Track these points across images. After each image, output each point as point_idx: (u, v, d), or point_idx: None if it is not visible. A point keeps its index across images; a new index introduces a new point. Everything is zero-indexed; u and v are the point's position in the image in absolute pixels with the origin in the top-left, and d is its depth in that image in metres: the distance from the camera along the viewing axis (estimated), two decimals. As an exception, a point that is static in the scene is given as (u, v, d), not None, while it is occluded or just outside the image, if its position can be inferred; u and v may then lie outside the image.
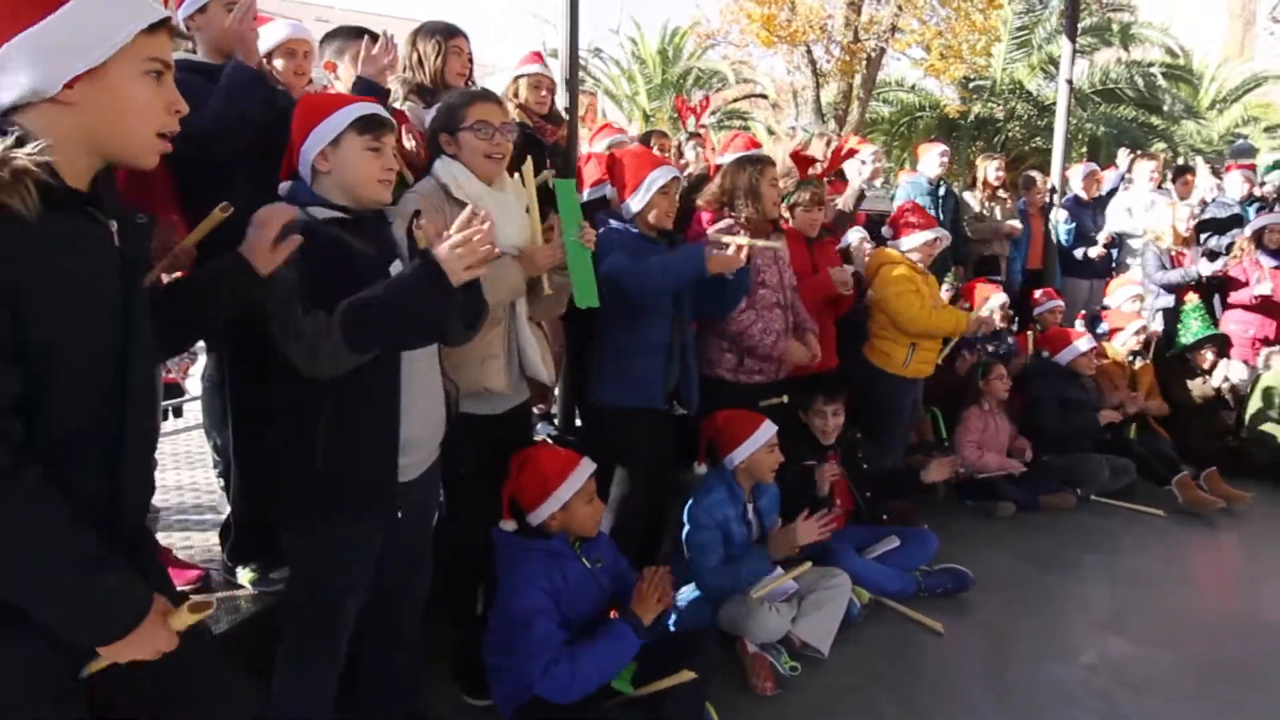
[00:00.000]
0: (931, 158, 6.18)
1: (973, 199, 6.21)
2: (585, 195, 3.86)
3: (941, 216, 5.63)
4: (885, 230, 4.65)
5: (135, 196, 2.05)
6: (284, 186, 2.00)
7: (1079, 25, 7.68)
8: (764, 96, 19.45)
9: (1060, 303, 5.74)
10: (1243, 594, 3.85)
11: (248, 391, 2.49)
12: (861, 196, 5.02)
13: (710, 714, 2.60)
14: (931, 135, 15.28)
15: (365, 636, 2.20)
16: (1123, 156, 7.46)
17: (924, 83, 17.78)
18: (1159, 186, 6.74)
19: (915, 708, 2.83)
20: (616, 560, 2.68)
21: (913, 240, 4.27)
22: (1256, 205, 6.62)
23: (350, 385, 1.87)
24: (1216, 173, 8.03)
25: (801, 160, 4.45)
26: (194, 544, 2.97)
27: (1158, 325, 5.96)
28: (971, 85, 17.38)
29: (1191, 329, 5.70)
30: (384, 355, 1.92)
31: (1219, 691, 2.94)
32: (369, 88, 2.68)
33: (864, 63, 15.04)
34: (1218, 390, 5.57)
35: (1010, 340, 5.27)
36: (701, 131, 6.04)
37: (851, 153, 5.19)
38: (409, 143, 2.88)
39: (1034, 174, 6.82)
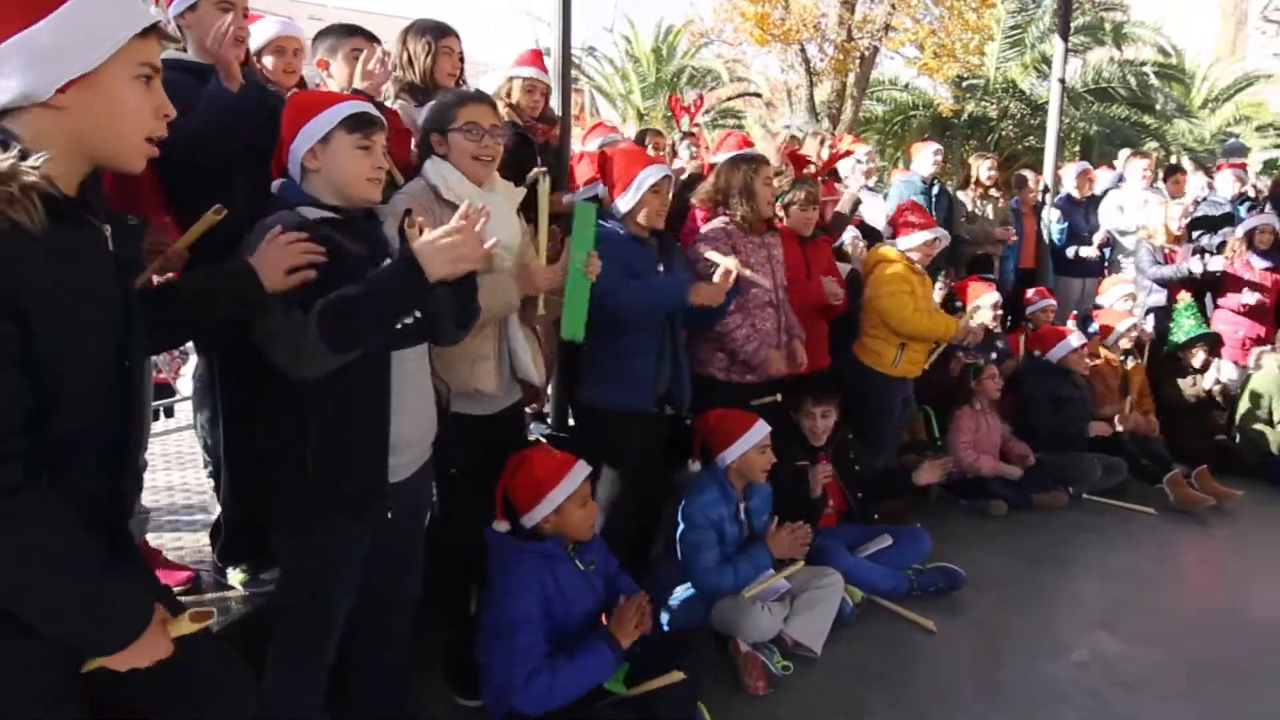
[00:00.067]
0: (925, 156, 6.19)
1: (966, 198, 6.21)
2: (578, 195, 3.84)
3: (935, 215, 5.63)
4: (885, 229, 4.66)
5: (122, 200, 2.04)
6: (276, 184, 2.00)
7: (1071, 24, 7.68)
8: (758, 95, 19.44)
9: (1053, 302, 5.76)
10: (1233, 592, 3.87)
11: (239, 392, 2.48)
12: (859, 200, 5.03)
13: (703, 713, 2.61)
14: (925, 134, 15.28)
15: (356, 636, 2.19)
16: (1122, 158, 7.47)
17: (917, 81, 17.79)
18: (1151, 185, 6.76)
19: (907, 707, 2.83)
20: (608, 562, 2.68)
21: (911, 240, 4.26)
22: (1247, 205, 6.64)
23: (340, 385, 1.86)
24: (1207, 172, 8.06)
25: (796, 160, 4.46)
26: (184, 545, 2.96)
27: (1149, 323, 5.98)
28: (965, 84, 17.39)
29: (1183, 327, 5.72)
30: (372, 355, 1.91)
31: (1209, 689, 2.95)
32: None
33: (858, 61, 15.04)
34: (1208, 389, 5.59)
35: (1002, 343, 5.28)
36: (695, 130, 6.03)
37: (846, 153, 5.21)
38: None
39: (1026, 173, 6.84)
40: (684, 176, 4.88)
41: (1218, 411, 5.64)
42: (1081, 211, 6.61)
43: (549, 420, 4.21)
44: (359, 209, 1.99)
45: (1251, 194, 6.79)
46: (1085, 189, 6.69)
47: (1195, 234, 6.35)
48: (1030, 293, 5.81)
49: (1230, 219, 6.38)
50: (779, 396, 3.55)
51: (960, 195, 6.26)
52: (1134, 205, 6.47)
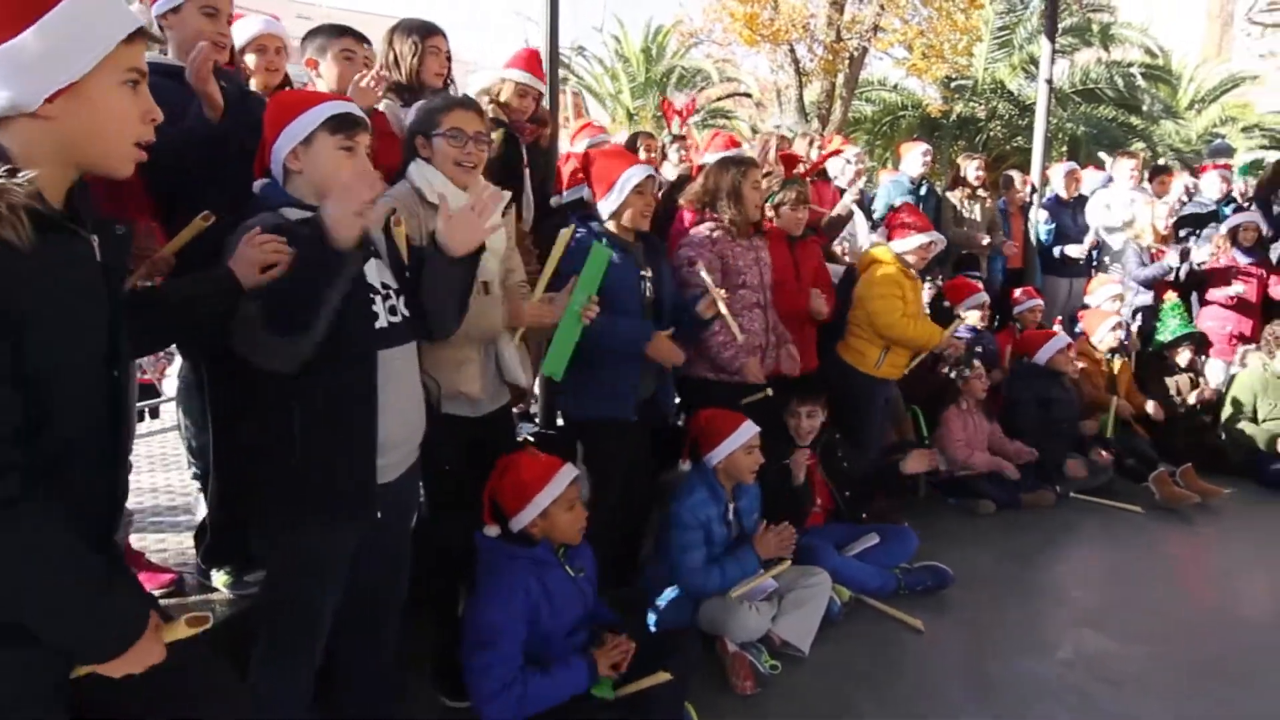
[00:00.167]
0: (914, 157, 6.21)
1: (954, 198, 6.24)
2: (564, 196, 3.84)
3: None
4: (880, 231, 4.67)
5: (109, 203, 2.02)
6: (258, 185, 1.98)
7: (1059, 25, 7.73)
8: (748, 95, 19.48)
9: (1040, 302, 5.79)
10: (1219, 589, 3.89)
11: (227, 392, 2.46)
12: (857, 203, 5.04)
13: (690, 714, 2.60)
14: (914, 134, 15.34)
15: (343, 637, 2.18)
16: (1108, 163, 7.51)
17: (906, 82, 17.86)
18: (1138, 185, 6.80)
19: (895, 705, 2.84)
20: (594, 571, 2.66)
21: (907, 243, 4.27)
22: (1233, 206, 6.69)
23: (327, 384, 1.86)
24: (1193, 173, 8.11)
25: (787, 160, 4.46)
26: (168, 546, 2.94)
27: (1137, 323, 6.02)
28: (953, 85, 17.47)
29: (1170, 327, 5.75)
30: (358, 354, 1.91)
31: (1195, 686, 2.97)
32: None
33: (846, 62, 15.07)
34: (1195, 403, 5.62)
35: (991, 344, 5.30)
36: (685, 133, 6.03)
37: (835, 152, 5.22)
38: None
39: (1014, 173, 6.87)
40: (673, 178, 4.89)
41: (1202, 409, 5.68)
42: (1069, 212, 6.64)
43: (537, 420, 4.20)
44: None
45: (1237, 197, 6.83)
46: (1073, 189, 6.72)
47: (1181, 233, 6.40)
48: (1018, 292, 5.84)
49: (1216, 219, 6.43)
50: (769, 391, 3.55)
51: (949, 196, 6.28)
52: (1121, 205, 6.51)
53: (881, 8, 14.39)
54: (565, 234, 2.71)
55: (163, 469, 3.73)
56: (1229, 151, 11.83)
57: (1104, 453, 4.99)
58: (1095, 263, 6.68)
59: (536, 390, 4.08)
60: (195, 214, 2.00)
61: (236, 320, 1.78)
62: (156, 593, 2.52)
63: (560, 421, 3.95)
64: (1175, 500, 4.68)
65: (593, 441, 3.08)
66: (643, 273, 3.09)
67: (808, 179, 4.46)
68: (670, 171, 5.36)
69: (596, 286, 2.74)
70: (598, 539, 2.71)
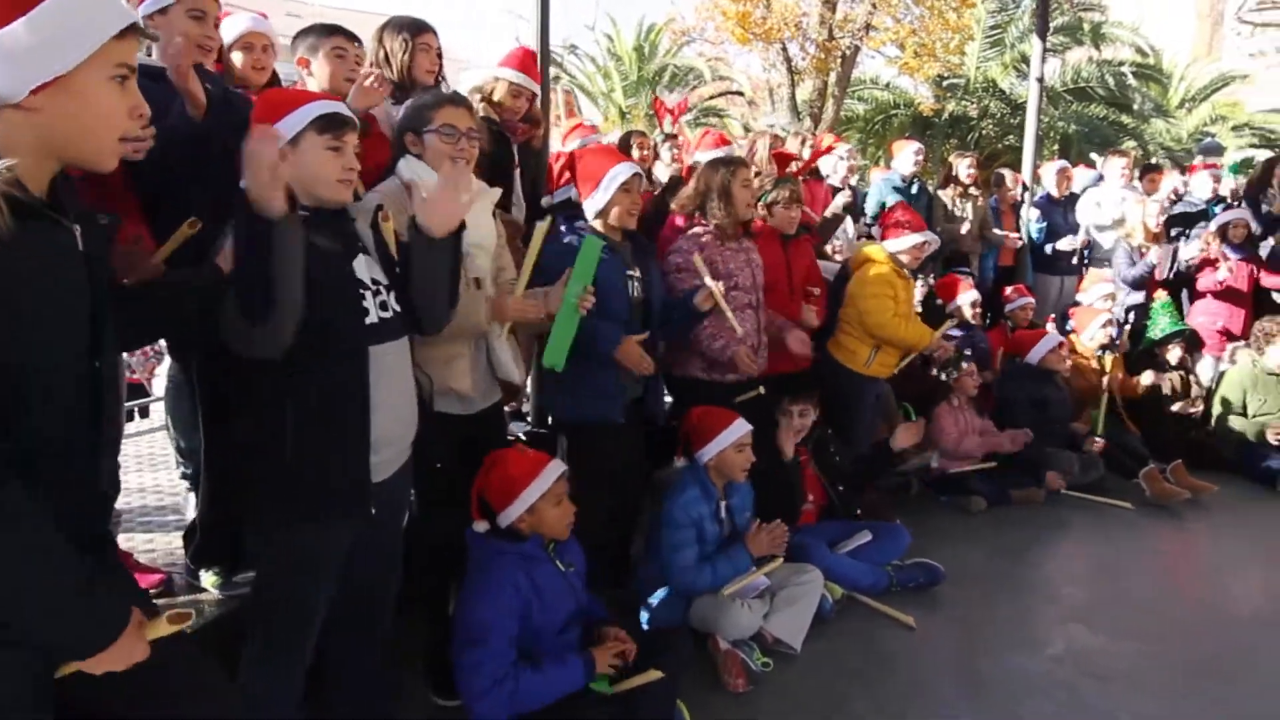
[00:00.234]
0: (906, 155, 6.21)
1: (945, 196, 6.25)
2: (555, 196, 3.83)
3: (913, 215, 5.65)
4: (874, 230, 4.68)
5: (92, 200, 2.01)
6: (244, 183, 1.97)
7: (1050, 24, 7.76)
8: (740, 94, 19.49)
9: (1031, 300, 5.81)
10: (1208, 585, 3.90)
11: (218, 389, 2.45)
12: (850, 203, 5.05)
13: (682, 712, 2.60)
14: (906, 133, 15.39)
15: (335, 636, 2.17)
16: (1100, 161, 7.52)
17: (898, 81, 17.93)
18: (1129, 183, 6.83)
19: (886, 702, 2.84)
20: (584, 567, 2.66)
21: (900, 243, 4.27)
22: (1222, 205, 6.72)
23: (318, 381, 1.85)
24: (1184, 171, 8.14)
25: (779, 159, 4.47)
26: (156, 547, 2.92)
27: (1129, 322, 6.04)
28: (945, 83, 17.53)
29: (1160, 325, 5.78)
30: (348, 349, 1.90)
31: (1183, 681, 2.98)
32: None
33: (839, 60, 15.11)
34: (1184, 383, 5.65)
35: (981, 344, 5.31)
36: (677, 131, 6.03)
37: (828, 149, 5.23)
38: None
39: (1005, 171, 6.88)
40: (666, 177, 4.89)
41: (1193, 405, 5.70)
42: (1060, 210, 6.66)
43: (529, 418, 4.19)
44: (330, 206, 1.97)
45: (1227, 196, 6.86)
46: (1064, 187, 6.74)
47: (1171, 233, 6.42)
48: (1009, 291, 5.86)
49: (1205, 218, 6.46)
50: (762, 390, 3.55)
51: (940, 194, 6.29)
52: (1111, 203, 6.53)
53: (874, 6, 14.43)
54: (542, 227, 2.69)
55: (150, 469, 3.71)
56: (1219, 150, 11.89)
57: (1098, 441, 5.01)
58: (1086, 262, 6.70)
59: (529, 389, 4.08)
60: (179, 212, 1.99)
61: (223, 312, 1.75)
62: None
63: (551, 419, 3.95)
64: (1165, 496, 4.70)
65: (583, 442, 3.06)
66: (630, 272, 3.08)
67: (800, 177, 4.46)
68: (663, 171, 5.37)
69: (591, 277, 2.73)
70: (589, 539, 2.71)
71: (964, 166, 6.26)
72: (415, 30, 3.16)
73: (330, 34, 2.91)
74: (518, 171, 3.59)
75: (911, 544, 3.78)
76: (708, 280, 3.16)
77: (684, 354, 3.54)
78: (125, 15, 1.30)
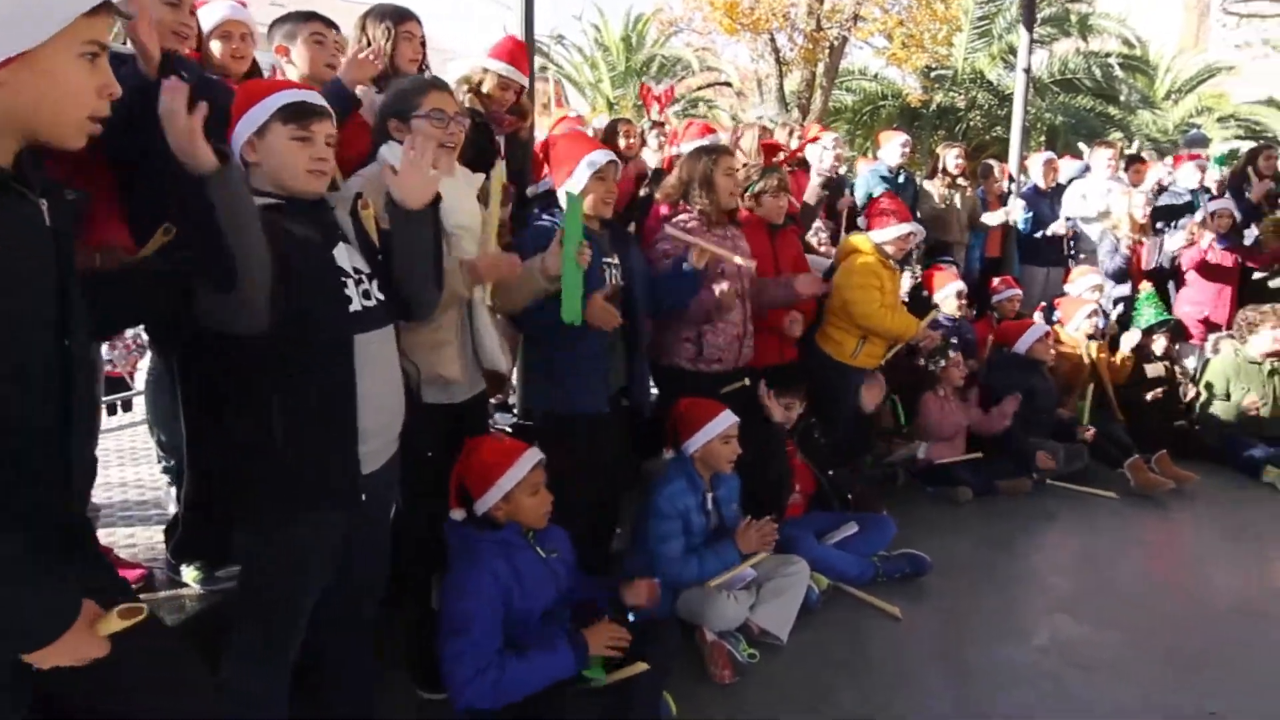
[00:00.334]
0: (893, 146, 6.20)
1: (932, 187, 6.25)
2: (539, 187, 3.79)
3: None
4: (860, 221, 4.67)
5: (65, 176, 1.97)
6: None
7: (1037, 15, 7.76)
8: (728, 85, 19.45)
9: (1019, 291, 5.83)
10: (1192, 575, 3.93)
11: (201, 382, 2.41)
12: (825, 188, 5.03)
13: (668, 703, 2.60)
14: (894, 124, 15.39)
15: (330, 634, 2.15)
16: (1087, 153, 7.54)
17: (886, 72, 17.91)
18: (1115, 174, 6.85)
19: (872, 692, 2.85)
20: (568, 554, 2.65)
21: (886, 233, 4.26)
22: (1208, 196, 6.75)
23: (304, 372, 1.83)
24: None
25: (766, 148, 4.46)
26: (138, 541, 2.90)
27: (1116, 312, 6.06)
28: (933, 74, 17.52)
29: (1145, 315, 5.80)
30: (331, 339, 1.87)
31: (1167, 671, 3.00)
32: (336, 90, 2.61)
33: (827, 51, 15.09)
34: (1169, 372, 5.68)
35: (968, 335, 5.32)
36: (663, 119, 6.00)
37: (813, 139, 5.22)
38: None
39: (992, 162, 6.88)
40: (653, 164, 4.87)
41: (1177, 395, 5.73)
42: (1047, 201, 6.67)
43: (515, 411, 4.17)
44: (307, 195, 1.94)
45: (1212, 187, 6.89)
46: (1051, 179, 6.75)
47: (1157, 224, 6.45)
48: (996, 281, 5.87)
49: (1191, 209, 6.49)
50: (746, 382, 3.54)
51: (927, 185, 6.29)
52: (1097, 194, 6.55)
53: (861, -4, 14.41)
54: (497, 175, 2.63)
55: (132, 463, 3.67)
56: (1204, 141, 11.93)
57: (1090, 429, 5.04)
58: (1072, 253, 6.72)
59: (514, 381, 4.05)
60: (152, 192, 1.95)
61: (201, 293, 1.71)
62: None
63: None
64: (1150, 486, 4.73)
65: (566, 434, 3.03)
66: (608, 260, 3.05)
67: (785, 167, 4.45)
68: (650, 158, 5.34)
69: (581, 233, 2.70)
70: (570, 531, 2.69)
71: (951, 157, 6.26)
72: (398, 18, 3.12)
73: (307, 20, 2.88)
74: (503, 163, 3.55)
75: (898, 535, 3.79)
76: (688, 238, 3.13)
77: (673, 341, 3.53)
78: None
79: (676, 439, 3.22)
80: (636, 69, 19.10)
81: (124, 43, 2.34)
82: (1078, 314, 5.58)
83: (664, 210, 3.59)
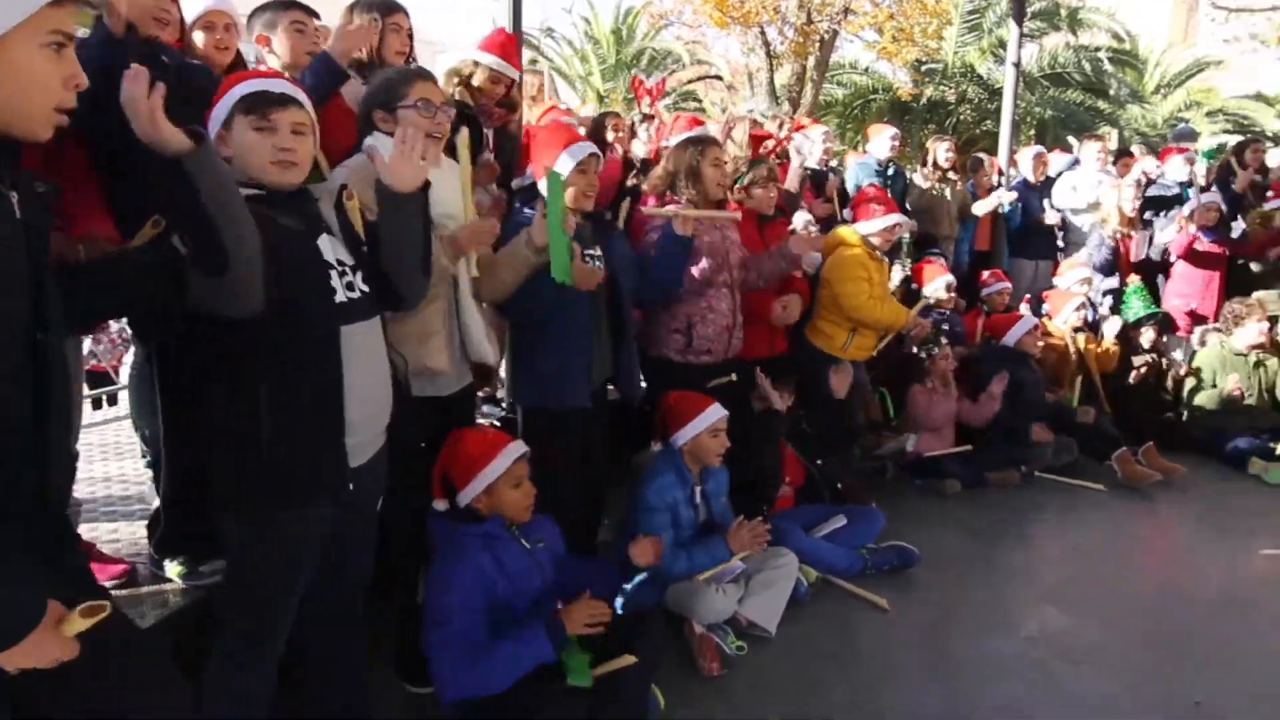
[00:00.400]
0: (882, 140, 6.20)
1: (922, 180, 6.25)
2: (523, 180, 3.78)
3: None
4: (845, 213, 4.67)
5: (38, 165, 1.94)
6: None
7: (1027, 9, 7.77)
8: (719, 78, 19.41)
9: (1008, 285, 5.84)
10: (1179, 566, 3.95)
11: (184, 375, 2.39)
12: (806, 175, 5.03)
13: (656, 696, 2.59)
14: (884, 118, 15.39)
15: (320, 631, 2.14)
16: (1076, 146, 7.56)
17: (877, 65, 17.94)
18: (1104, 167, 6.86)
19: (860, 683, 2.85)
20: (558, 544, 2.64)
21: (872, 225, 4.26)
22: (1195, 189, 6.77)
23: (290, 364, 1.81)
24: (1157, 155, 8.19)
25: (754, 139, 4.45)
26: (121, 537, 2.86)
27: (1106, 304, 6.08)
28: (923, 68, 17.55)
29: (1134, 308, 5.82)
30: (317, 331, 1.85)
31: (1154, 662, 3.01)
32: (325, 63, 2.57)
33: (817, 45, 15.08)
34: (1156, 365, 5.70)
35: (957, 328, 5.33)
36: (654, 112, 5.97)
37: (799, 127, 5.21)
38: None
39: (982, 156, 6.89)
40: (643, 155, 4.85)
41: (1164, 388, 5.76)
42: (1036, 195, 6.68)
43: (503, 405, 4.15)
44: (280, 189, 1.91)
45: (1200, 180, 6.92)
46: (1040, 172, 6.76)
47: (1146, 216, 6.46)
48: (985, 275, 5.87)
49: (1179, 202, 6.50)
50: (734, 376, 3.54)
51: (916, 178, 6.29)
52: (1087, 187, 6.57)
53: (852, -10, 14.40)
54: (464, 137, 2.60)
55: (115, 458, 3.63)
56: (1193, 135, 12.00)
57: (1089, 410, 5.09)
58: (1061, 246, 6.74)
59: (503, 374, 4.04)
60: (137, 185, 1.92)
61: (190, 279, 1.69)
62: (108, 584, 2.44)
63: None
64: (1137, 479, 4.75)
65: (550, 427, 3.00)
66: (590, 252, 3.02)
67: (773, 157, 4.45)
68: (640, 150, 5.32)
69: (563, 203, 2.69)
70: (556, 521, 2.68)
71: (941, 151, 6.26)
72: (386, 10, 3.10)
73: (287, 8, 2.85)
74: (491, 155, 3.53)
75: (886, 527, 3.80)
76: (668, 211, 3.12)
77: (662, 332, 3.52)
78: None
79: (665, 432, 3.21)
80: (627, 62, 19.06)
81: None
82: (1066, 307, 5.60)
83: (652, 201, 3.58)
